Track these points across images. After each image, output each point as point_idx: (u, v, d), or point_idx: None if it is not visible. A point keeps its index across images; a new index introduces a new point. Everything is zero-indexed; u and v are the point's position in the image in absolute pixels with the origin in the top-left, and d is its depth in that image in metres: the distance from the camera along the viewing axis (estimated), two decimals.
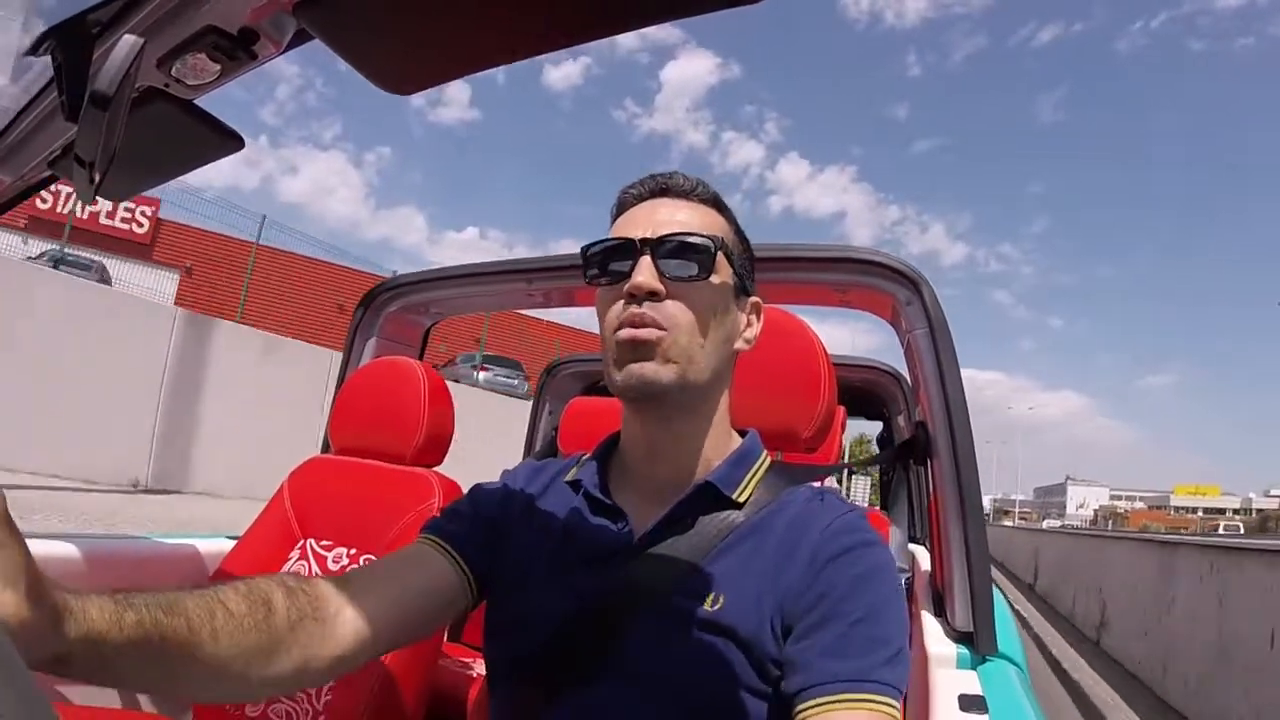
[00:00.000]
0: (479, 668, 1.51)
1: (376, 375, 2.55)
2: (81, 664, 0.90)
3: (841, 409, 3.14)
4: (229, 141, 1.20)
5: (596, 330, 1.40)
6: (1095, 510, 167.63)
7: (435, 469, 2.44)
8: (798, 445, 1.84)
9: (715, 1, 0.73)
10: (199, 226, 32.81)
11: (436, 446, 2.45)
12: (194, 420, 16.04)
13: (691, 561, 1.31)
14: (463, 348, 32.73)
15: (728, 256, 1.38)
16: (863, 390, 4.31)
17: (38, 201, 28.81)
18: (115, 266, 28.66)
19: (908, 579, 2.93)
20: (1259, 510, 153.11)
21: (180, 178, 1.40)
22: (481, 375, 28.66)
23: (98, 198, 1.24)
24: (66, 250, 24.81)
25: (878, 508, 5.35)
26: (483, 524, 1.47)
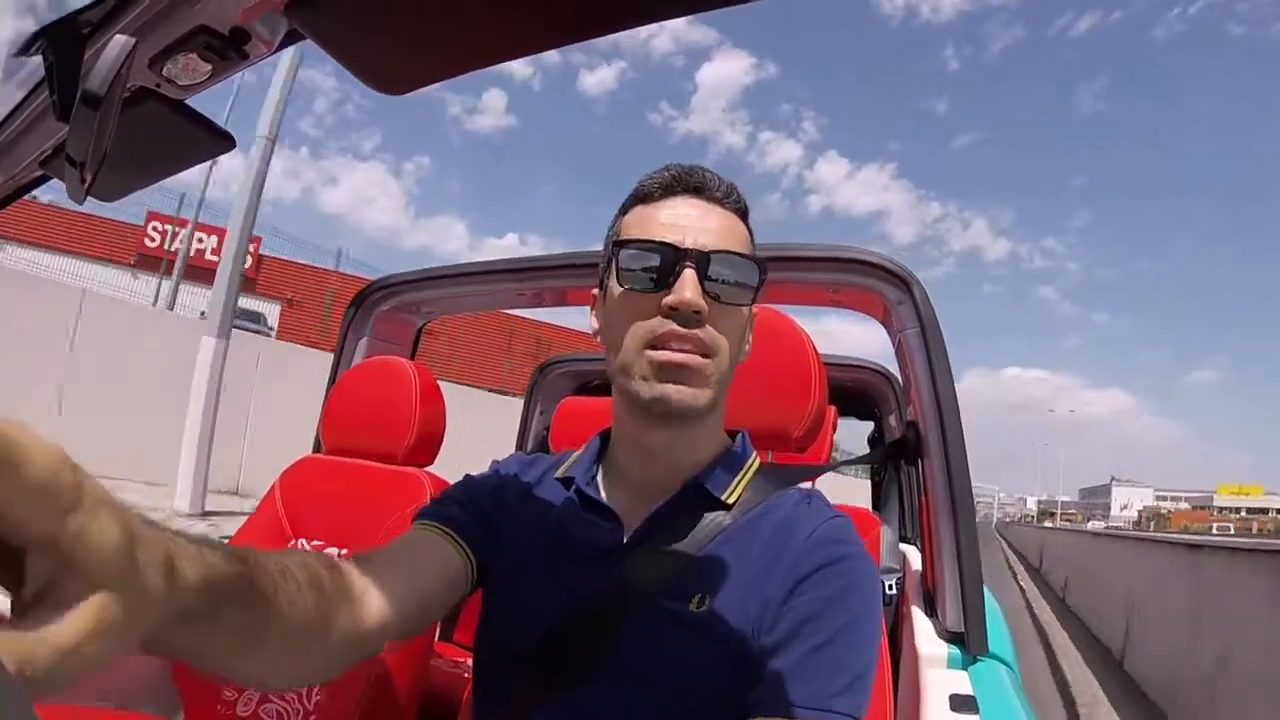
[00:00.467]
0: (469, 668, 1.51)
1: (368, 375, 2.55)
2: (196, 621, 0.77)
3: (832, 409, 3.14)
4: (220, 142, 1.20)
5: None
6: (1139, 511, 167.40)
7: (427, 469, 2.43)
8: (788, 445, 1.85)
9: (703, 1, 0.73)
10: (296, 260, 34.65)
11: (428, 446, 2.45)
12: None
13: (679, 563, 1.31)
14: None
15: (762, 277, 1.35)
16: (853, 390, 4.31)
17: (145, 240, 32.68)
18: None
19: (899, 579, 2.93)
20: None
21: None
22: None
23: (111, 202, 1.25)
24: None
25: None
26: (479, 513, 1.45)
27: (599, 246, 1.46)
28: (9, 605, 0.58)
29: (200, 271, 30.44)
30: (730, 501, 1.38)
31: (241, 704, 2.20)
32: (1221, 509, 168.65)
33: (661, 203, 1.38)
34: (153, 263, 31.74)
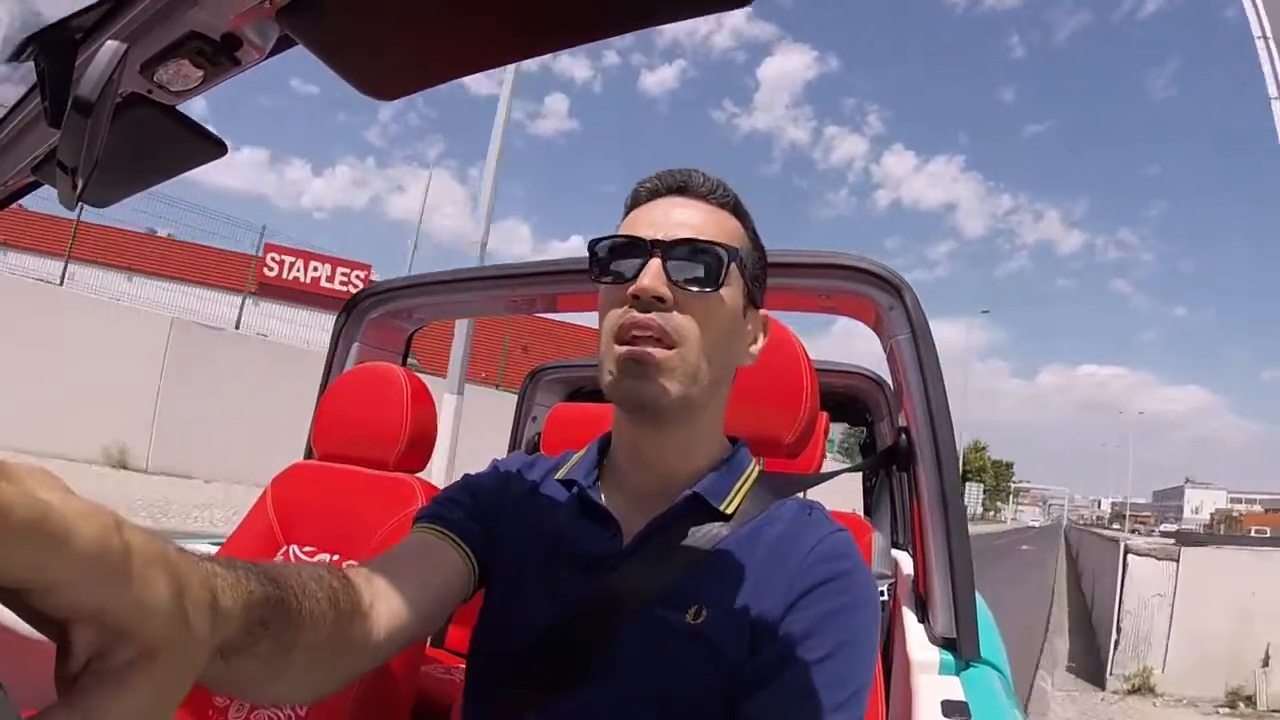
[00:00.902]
0: (461, 675, 1.51)
1: (359, 381, 2.55)
2: (233, 650, 0.76)
3: (824, 415, 3.14)
4: (212, 147, 1.20)
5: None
6: (1211, 514, 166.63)
7: (418, 475, 2.43)
8: (780, 451, 1.85)
9: (692, 7, 0.74)
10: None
11: (419, 452, 2.45)
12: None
13: (676, 572, 1.30)
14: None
15: (741, 268, 1.35)
16: (845, 395, 4.31)
17: (264, 269, 34.21)
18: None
19: (890, 585, 2.93)
20: None
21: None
22: None
23: (103, 208, 1.25)
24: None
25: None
26: (478, 514, 1.45)
27: None
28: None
29: (315, 296, 33.84)
30: (729, 512, 1.37)
31: (234, 710, 2.19)
32: None
33: (647, 204, 1.39)
34: (275, 290, 33.78)
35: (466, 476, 1.57)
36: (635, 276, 1.28)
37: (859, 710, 1.20)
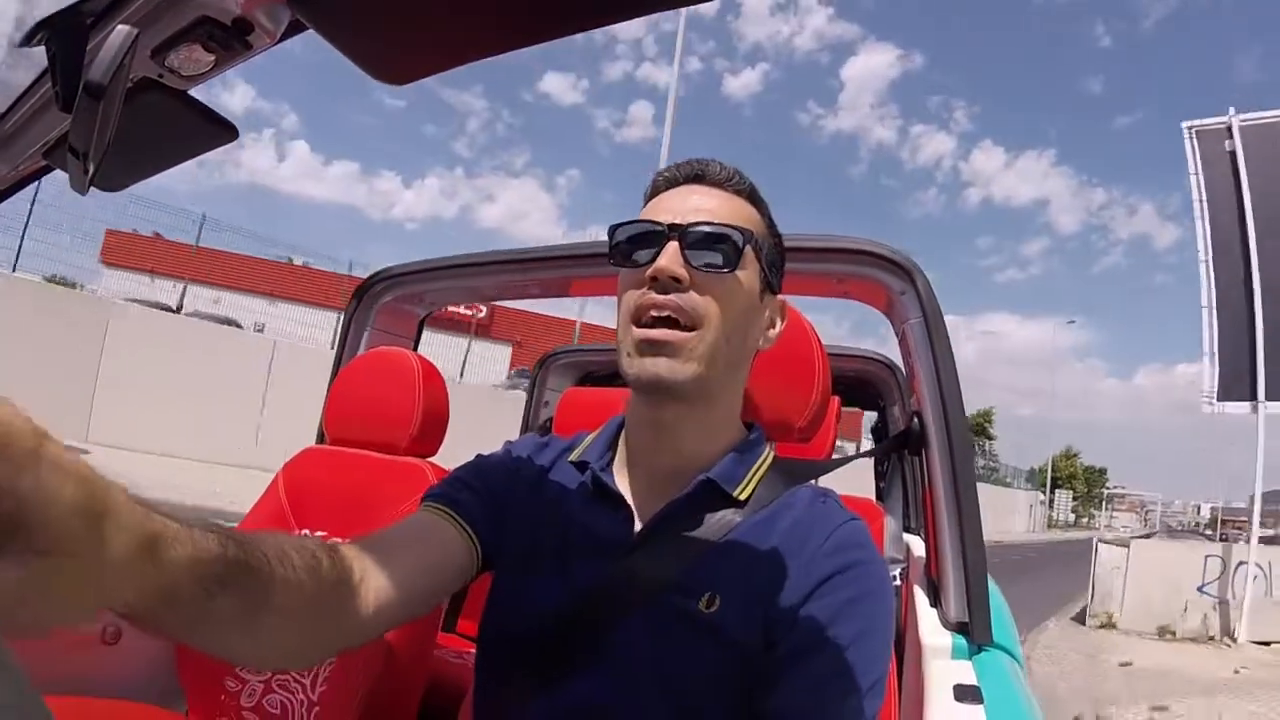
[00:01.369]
0: (473, 659, 1.51)
1: (370, 366, 2.55)
2: (182, 600, 0.81)
3: (836, 399, 3.14)
4: (223, 132, 1.20)
5: None
6: None
7: (430, 459, 2.43)
8: (791, 435, 1.84)
9: None
10: (524, 309, 41.63)
11: (431, 437, 2.45)
12: None
13: (689, 559, 1.30)
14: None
15: (757, 251, 1.36)
16: (857, 380, 4.31)
17: None
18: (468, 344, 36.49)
19: (902, 569, 2.93)
20: None
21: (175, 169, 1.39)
22: None
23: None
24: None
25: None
26: (488, 496, 1.45)
27: None
28: None
29: (442, 321, 37.20)
30: (743, 498, 1.37)
31: (245, 695, 2.20)
32: None
33: (666, 192, 1.41)
34: None
35: (478, 457, 1.57)
36: (653, 260, 1.29)
37: (879, 700, 1.20)
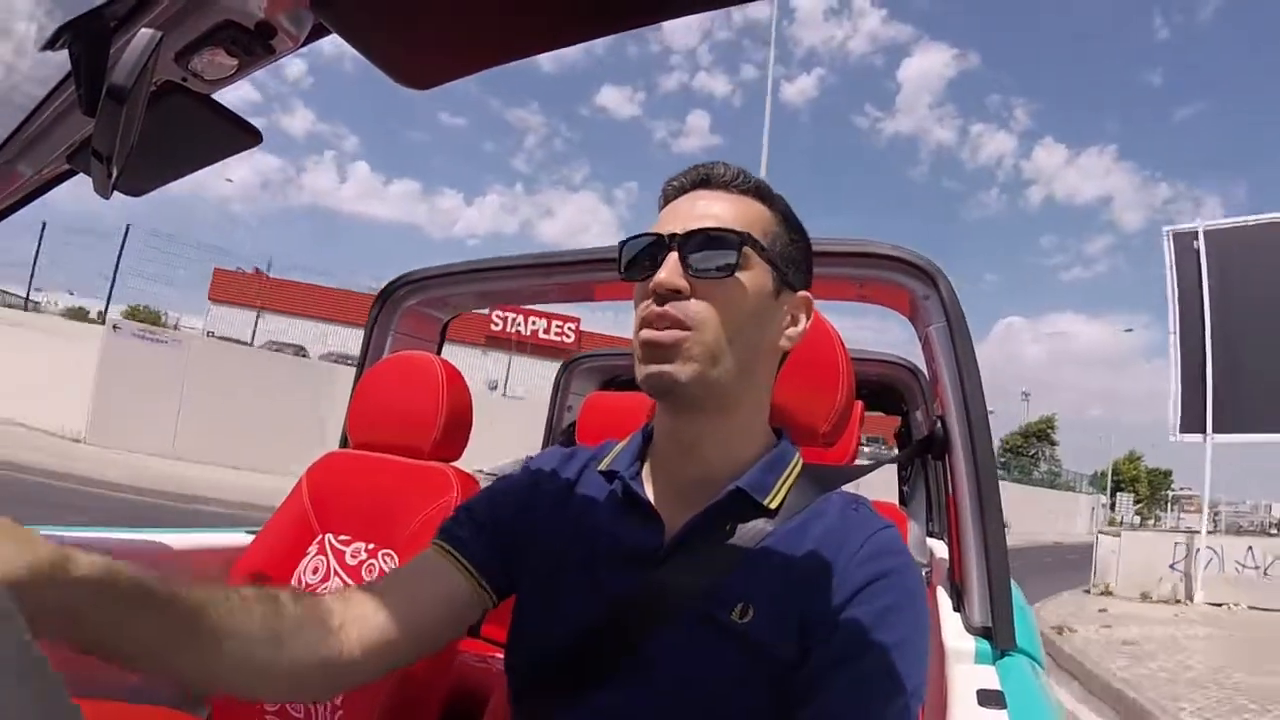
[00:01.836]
0: (498, 664, 1.52)
1: (393, 370, 2.56)
2: (91, 618, 0.93)
3: (859, 403, 3.13)
4: (247, 136, 1.20)
5: None
6: None
7: (453, 464, 2.44)
8: (815, 440, 1.84)
9: None
10: (611, 333, 44.47)
11: (454, 441, 2.45)
12: None
13: (720, 569, 1.30)
14: None
15: (760, 250, 1.35)
16: (880, 384, 4.31)
17: (490, 324, 44.03)
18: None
19: (926, 574, 2.92)
20: None
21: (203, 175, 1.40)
22: None
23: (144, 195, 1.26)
24: None
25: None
26: (498, 526, 1.47)
27: None
28: None
29: (535, 347, 43.33)
30: (773, 506, 1.36)
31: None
32: None
33: (674, 201, 1.42)
34: (499, 342, 42.90)
35: (496, 482, 1.59)
36: (655, 272, 1.31)
37: (919, 705, 1.19)
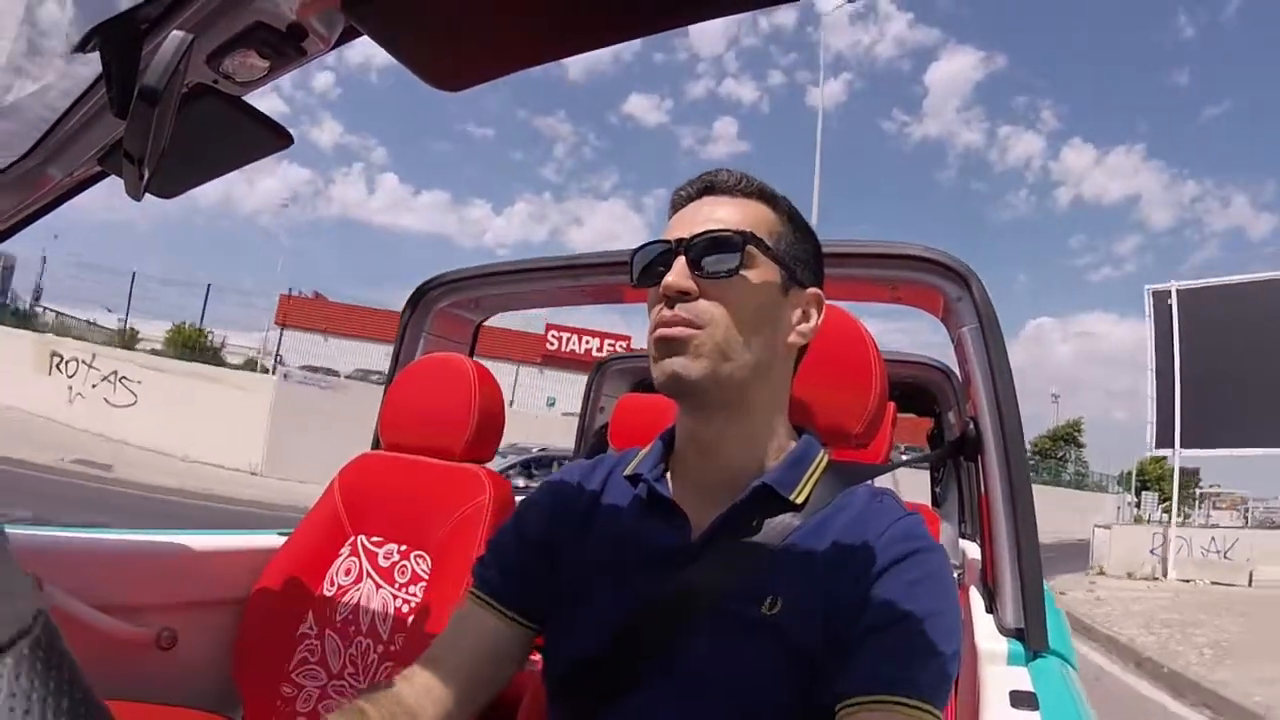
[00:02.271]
0: (529, 664, 1.52)
1: (426, 372, 2.56)
2: None
3: (892, 405, 3.12)
4: (278, 139, 1.20)
5: None
6: None
7: (485, 465, 2.44)
8: (848, 442, 1.83)
9: None
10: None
11: (486, 443, 2.46)
12: None
13: (749, 565, 1.31)
14: None
15: (765, 249, 1.36)
16: (913, 386, 4.30)
17: (546, 344, 45.25)
18: None
19: (959, 575, 2.91)
20: None
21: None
22: None
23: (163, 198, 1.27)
24: None
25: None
26: (526, 552, 1.50)
27: None
28: None
29: (590, 365, 41.60)
30: (799, 502, 1.37)
31: (301, 700, 2.22)
32: None
33: (681, 209, 1.45)
34: (556, 361, 43.68)
35: (523, 503, 1.62)
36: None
37: (950, 680, 1.20)
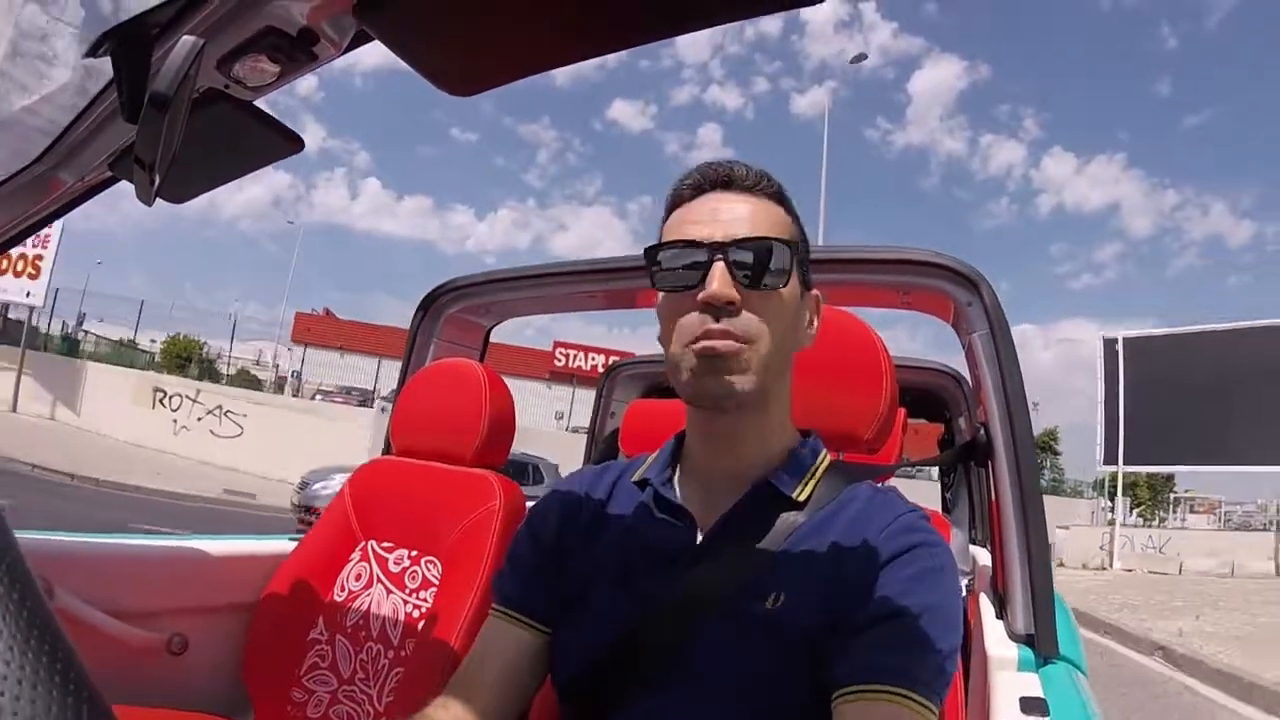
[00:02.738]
0: None
1: (437, 377, 2.56)
2: None
3: (902, 410, 3.12)
4: (289, 143, 1.20)
5: None
6: None
7: (497, 470, 2.44)
8: (859, 447, 1.83)
9: (777, 1, 0.72)
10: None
11: (497, 448, 2.45)
12: None
13: (754, 563, 1.31)
14: None
15: (795, 258, 1.35)
16: (923, 391, 4.30)
17: (554, 361, 48.34)
18: None
19: (969, 581, 2.91)
20: None
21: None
22: None
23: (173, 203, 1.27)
24: None
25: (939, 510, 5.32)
26: (543, 556, 1.50)
27: None
28: None
29: (595, 381, 44.00)
30: (802, 499, 1.37)
31: (312, 705, 2.22)
32: None
33: (693, 202, 1.40)
34: (562, 377, 45.51)
35: (533, 510, 1.63)
36: (700, 283, 1.29)
37: (949, 674, 1.20)
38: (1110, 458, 32.32)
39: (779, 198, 1.42)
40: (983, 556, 3.04)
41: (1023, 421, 2.02)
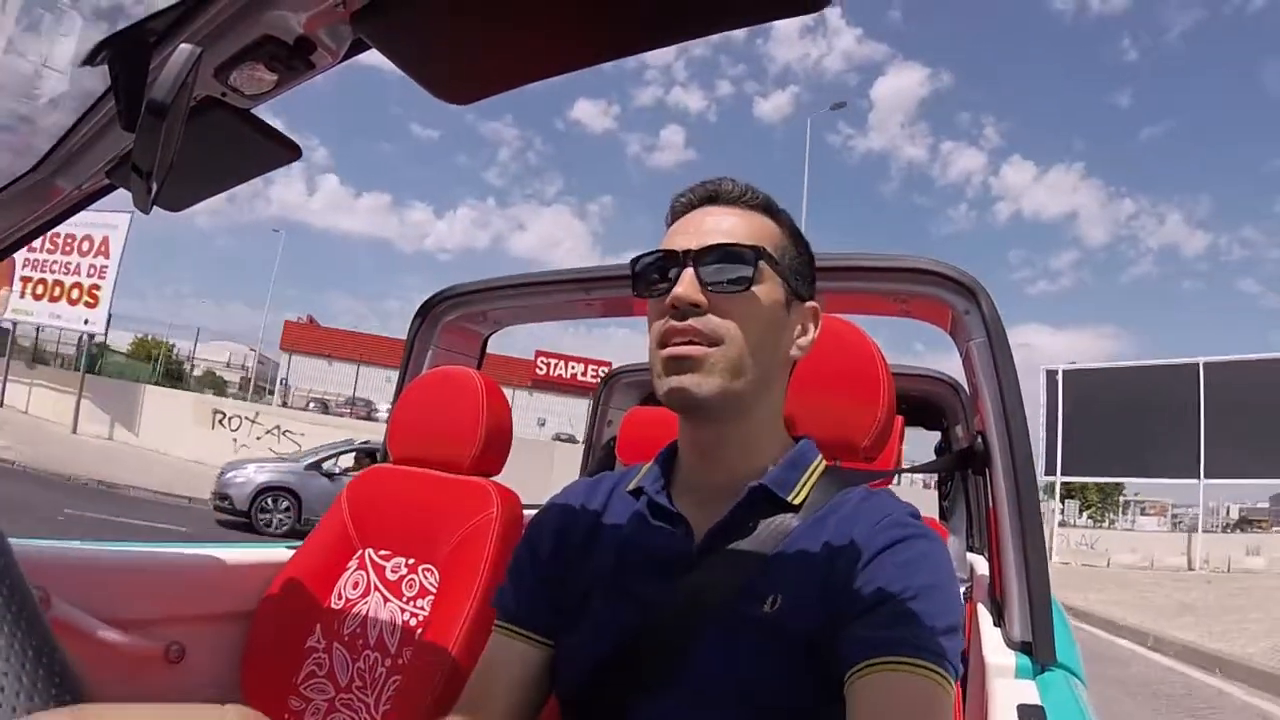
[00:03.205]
0: None
1: (434, 385, 2.56)
2: None
3: (900, 418, 3.12)
4: (286, 151, 1.20)
5: None
6: None
7: (494, 478, 2.43)
8: (856, 454, 1.83)
9: (782, 9, 0.73)
10: None
11: (494, 455, 2.45)
12: None
13: (750, 566, 1.32)
14: None
15: (773, 264, 1.38)
16: (921, 400, 4.30)
17: (535, 369, 50.37)
18: None
19: (966, 588, 2.91)
20: None
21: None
22: None
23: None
24: None
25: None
26: (543, 568, 1.51)
27: None
28: None
29: (574, 389, 48.31)
30: (796, 503, 1.38)
31: (309, 713, 2.22)
32: None
33: (683, 217, 1.44)
34: (544, 385, 48.80)
35: (532, 521, 1.63)
36: (672, 288, 1.33)
37: (957, 644, 1.20)
38: (1050, 469, 38.44)
39: (766, 209, 1.45)
40: (980, 565, 3.03)
41: (1020, 430, 2.02)
